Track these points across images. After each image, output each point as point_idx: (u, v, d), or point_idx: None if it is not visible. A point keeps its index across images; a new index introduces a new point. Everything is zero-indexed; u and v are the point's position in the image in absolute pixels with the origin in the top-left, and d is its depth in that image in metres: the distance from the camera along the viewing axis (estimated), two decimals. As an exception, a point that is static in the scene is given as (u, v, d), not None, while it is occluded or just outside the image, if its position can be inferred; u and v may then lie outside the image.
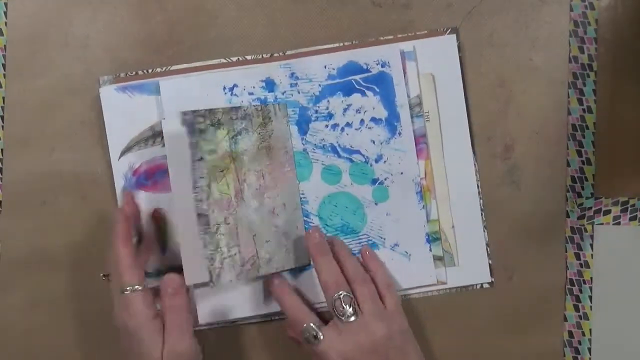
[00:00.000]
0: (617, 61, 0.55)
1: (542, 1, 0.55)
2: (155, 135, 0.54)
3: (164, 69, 0.55)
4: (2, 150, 0.55)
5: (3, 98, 0.55)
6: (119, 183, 0.54)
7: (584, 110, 0.55)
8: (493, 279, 0.55)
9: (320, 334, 0.48)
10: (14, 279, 0.55)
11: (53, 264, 0.55)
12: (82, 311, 0.55)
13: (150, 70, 0.55)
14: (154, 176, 0.54)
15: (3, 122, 0.55)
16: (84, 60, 0.55)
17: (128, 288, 0.48)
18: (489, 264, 0.55)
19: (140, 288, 0.48)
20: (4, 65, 0.55)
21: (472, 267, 0.55)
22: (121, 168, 0.54)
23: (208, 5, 0.55)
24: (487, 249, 0.55)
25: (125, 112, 0.54)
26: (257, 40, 0.55)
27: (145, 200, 0.54)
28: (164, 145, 0.53)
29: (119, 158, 0.54)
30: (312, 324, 0.49)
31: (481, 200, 0.55)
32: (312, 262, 0.52)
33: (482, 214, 0.55)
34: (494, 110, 0.55)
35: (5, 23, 0.55)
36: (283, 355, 0.55)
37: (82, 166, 0.55)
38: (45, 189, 0.55)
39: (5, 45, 0.55)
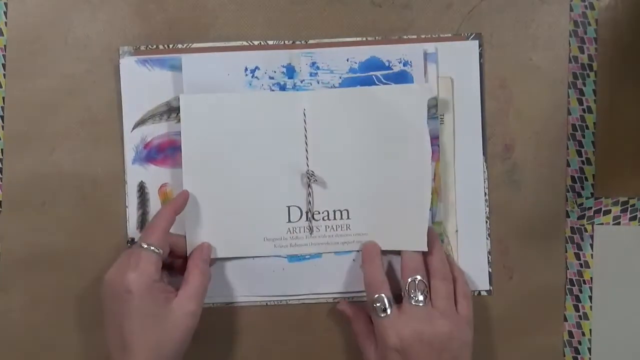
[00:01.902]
0: (617, 61, 0.55)
1: (542, 1, 0.55)
2: (170, 110, 0.54)
3: (185, 45, 0.55)
4: (2, 150, 0.55)
5: (3, 98, 0.55)
6: (129, 155, 0.55)
7: (584, 110, 0.55)
8: (491, 287, 0.55)
9: (389, 308, 0.49)
10: (14, 279, 0.55)
11: (53, 264, 0.55)
12: (82, 311, 0.55)
13: (171, 46, 0.55)
14: (164, 151, 0.55)
15: (3, 122, 0.55)
16: (84, 60, 0.55)
17: (150, 247, 0.48)
18: (489, 272, 0.55)
19: (158, 251, 0.48)
20: (4, 65, 0.55)
21: (472, 274, 0.55)
22: (133, 140, 0.55)
23: (208, 5, 0.55)
24: (488, 257, 0.55)
25: (142, 85, 0.54)
26: (257, 41, 0.55)
27: (154, 174, 0.55)
28: (178, 121, 0.54)
29: (132, 130, 0.55)
30: (385, 296, 0.49)
31: (487, 209, 0.55)
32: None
33: (487, 222, 0.55)
34: (494, 110, 0.55)
35: (5, 23, 0.55)
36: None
37: (82, 166, 0.55)
38: (45, 189, 0.55)
39: (5, 45, 0.55)
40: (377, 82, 0.55)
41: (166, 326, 0.47)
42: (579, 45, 0.55)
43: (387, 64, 0.55)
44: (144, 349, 0.46)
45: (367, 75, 0.55)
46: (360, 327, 0.52)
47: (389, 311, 0.49)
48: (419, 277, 0.49)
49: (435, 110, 0.55)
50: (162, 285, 0.48)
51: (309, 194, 0.54)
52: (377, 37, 0.55)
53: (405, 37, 0.55)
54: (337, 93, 0.54)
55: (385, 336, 0.48)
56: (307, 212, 0.54)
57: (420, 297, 0.49)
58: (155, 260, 0.48)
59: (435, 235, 0.53)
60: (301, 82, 0.55)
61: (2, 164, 0.55)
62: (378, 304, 0.49)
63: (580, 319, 0.55)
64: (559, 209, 0.55)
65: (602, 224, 0.55)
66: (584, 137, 0.55)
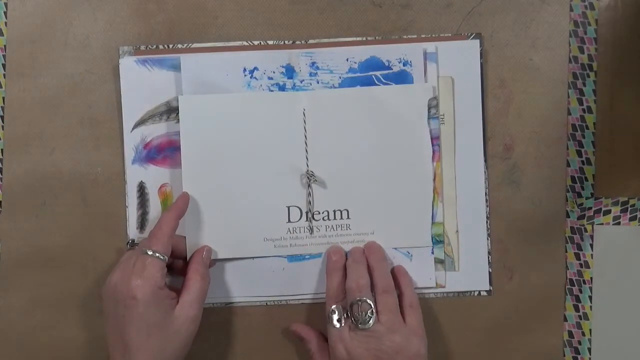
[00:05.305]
0: (617, 61, 0.55)
1: (542, 1, 0.55)
2: (170, 110, 0.55)
3: (185, 45, 0.55)
4: (2, 150, 0.55)
5: (3, 98, 0.55)
6: (129, 155, 0.55)
7: (584, 110, 0.55)
8: (491, 287, 0.55)
9: (342, 321, 0.49)
10: (14, 279, 0.55)
11: (53, 264, 0.55)
12: (82, 311, 0.55)
13: (171, 46, 0.55)
14: (164, 151, 0.55)
15: (3, 122, 0.55)
16: (84, 60, 0.55)
17: (156, 254, 0.48)
18: (489, 272, 0.55)
19: (163, 258, 0.48)
20: (4, 65, 0.55)
21: (472, 274, 0.55)
22: (133, 140, 0.55)
23: (208, 5, 0.55)
24: (488, 258, 0.55)
25: (142, 85, 0.55)
26: (257, 41, 0.55)
27: (153, 174, 0.55)
28: (178, 121, 0.54)
29: (132, 130, 0.55)
30: (340, 308, 0.50)
31: (487, 209, 0.55)
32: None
33: (487, 223, 0.55)
34: (494, 110, 0.55)
35: (5, 23, 0.55)
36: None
37: (82, 166, 0.55)
38: (45, 189, 0.55)
39: (5, 45, 0.55)
40: (377, 82, 0.55)
41: (168, 332, 0.47)
42: (579, 45, 0.55)
43: (387, 63, 0.55)
44: (146, 354, 0.46)
45: (367, 75, 0.55)
46: (314, 346, 0.53)
47: (341, 324, 0.49)
48: (363, 298, 0.49)
49: (435, 110, 0.55)
50: (165, 291, 0.48)
51: (309, 194, 0.54)
52: (377, 37, 0.55)
53: (405, 37, 0.55)
54: (337, 93, 0.54)
55: (336, 348, 0.49)
56: (307, 212, 0.54)
57: (365, 318, 0.49)
58: (161, 267, 0.48)
59: (375, 248, 0.53)
60: (301, 82, 0.55)
61: (2, 164, 0.55)
62: (332, 315, 0.50)
63: (580, 319, 0.55)
64: (559, 209, 0.55)
65: (602, 224, 0.55)
66: (584, 137, 0.55)
